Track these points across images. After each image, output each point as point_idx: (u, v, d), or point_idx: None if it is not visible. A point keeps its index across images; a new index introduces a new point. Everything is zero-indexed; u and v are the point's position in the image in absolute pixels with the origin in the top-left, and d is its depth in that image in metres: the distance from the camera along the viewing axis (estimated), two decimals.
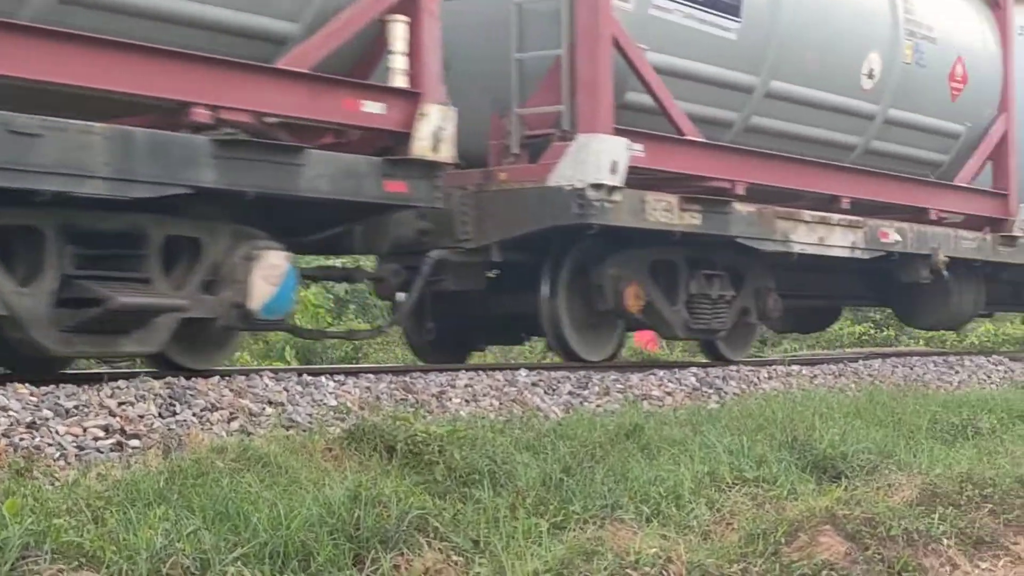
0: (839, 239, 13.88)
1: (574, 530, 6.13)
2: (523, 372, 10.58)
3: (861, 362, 14.63)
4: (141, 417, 7.57)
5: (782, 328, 19.19)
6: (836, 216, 13.92)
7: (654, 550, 5.58)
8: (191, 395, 8.06)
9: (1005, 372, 15.51)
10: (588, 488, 6.85)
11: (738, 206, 12.75)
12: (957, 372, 14.97)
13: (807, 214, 13.50)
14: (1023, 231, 16.49)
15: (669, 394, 11.04)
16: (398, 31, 9.73)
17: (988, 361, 16.01)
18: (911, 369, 14.58)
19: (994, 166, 16.56)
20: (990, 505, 7.09)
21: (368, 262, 13.64)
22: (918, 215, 15.30)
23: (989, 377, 15.05)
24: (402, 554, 5.62)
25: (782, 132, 13.80)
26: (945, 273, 15.16)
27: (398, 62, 9.74)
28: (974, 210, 16.19)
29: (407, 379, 9.64)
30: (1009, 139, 16.52)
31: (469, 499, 6.48)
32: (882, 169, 15.05)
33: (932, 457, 8.53)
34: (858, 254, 14.17)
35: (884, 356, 16.08)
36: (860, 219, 14.17)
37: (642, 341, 24.18)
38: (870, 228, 14.33)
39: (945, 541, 6.40)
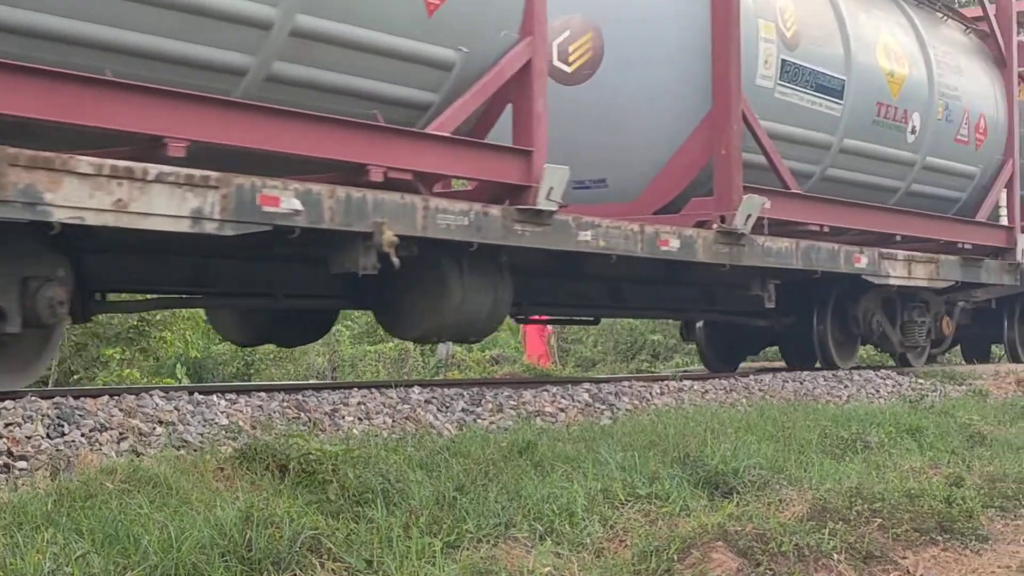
0: (164, 204, 8.70)
1: (468, 549, 6.12)
2: (416, 389, 10.57)
3: (752, 377, 14.75)
4: (28, 438, 7.47)
5: (238, 340, 14.33)
6: (155, 168, 8.67)
7: (548, 568, 5.59)
8: (80, 415, 7.96)
9: (894, 386, 15.72)
10: (482, 506, 6.84)
11: None
12: (846, 386, 15.13)
13: (85, 162, 8.26)
14: (557, 203, 11.63)
15: (562, 410, 11.07)
16: None
17: (877, 375, 16.20)
18: (801, 384, 14.72)
19: (514, 111, 11.79)
20: (879, 520, 7.17)
21: None
22: (355, 174, 10.34)
23: (878, 391, 15.24)
24: (295, 575, 5.60)
25: (73, 37, 8.69)
26: (395, 260, 10.11)
27: None
28: (470, 172, 11.46)
29: (300, 397, 9.59)
30: (534, 72, 11.66)
31: (362, 519, 6.45)
32: (310, 108, 9.97)
33: (822, 472, 8.62)
34: (211, 228, 9.04)
35: (775, 371, 16.23)
36: (214, 175, 9.03)
37: (534, 356, 24.29)
38: (237, 190, 9.16)
39: (835, 556, 6.46)
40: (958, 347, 24.31)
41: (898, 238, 17.26)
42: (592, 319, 17.83)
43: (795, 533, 6.52)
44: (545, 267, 13.16)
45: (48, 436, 7.61)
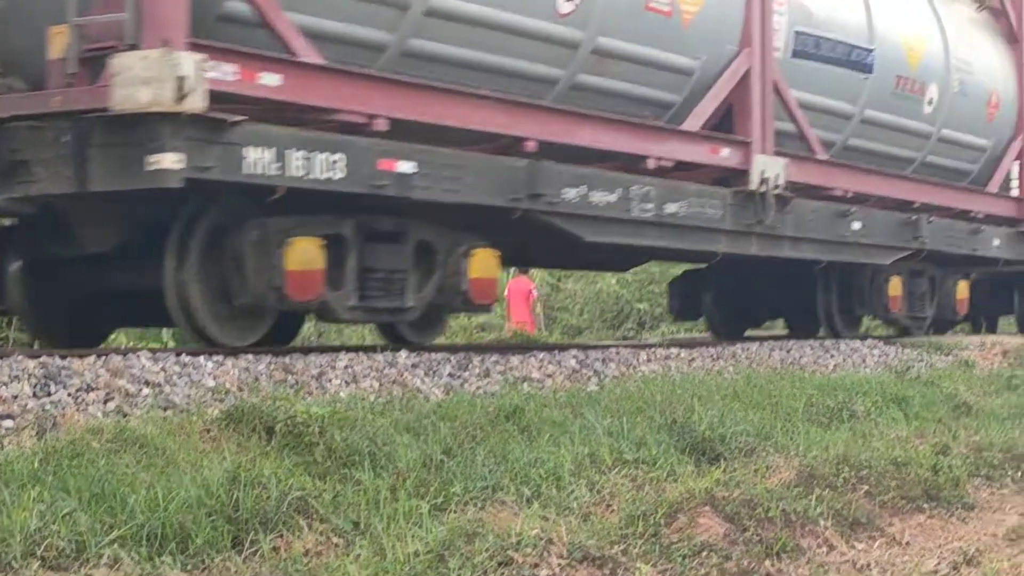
0: None
1: (455, 512, 6.12)
2: (403, 354, 10.54)
3: (739, 345, 14.74)
4: (15, 397, 7.44)
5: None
6: None
7: (535, 531, 5.58)
8: (66, 375, 7.93)
9: (880, 356, 15.72)
10: (469, 470, 6.84)
11: None
12: (833, 356, 15.14)
13: None
14: None
15: (549, 376, 11.05)
16: None
17: (863, 345, 16.20)
18: (788, 352, 14.72)
19: None
20: (866, 487, 7.18)
21: None
22: None
23: (864, 361, 15.25)
24: (281, 536, 5.58)
25: None
26: None
27: None
28: None
29: (287, 360, 9.56)
30: None
31: (349, 480, 6.44)
32: None
33: (809, 439, 8.63)
34: None
35: (761, 340, 16.21)
36: None
37: (520, 323, 24.24)
38: None
39: (822, 522, 6.47)
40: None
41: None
42: None
43: (782, 499, 6.51)
44: None
45: (35, 395, 7.58)
